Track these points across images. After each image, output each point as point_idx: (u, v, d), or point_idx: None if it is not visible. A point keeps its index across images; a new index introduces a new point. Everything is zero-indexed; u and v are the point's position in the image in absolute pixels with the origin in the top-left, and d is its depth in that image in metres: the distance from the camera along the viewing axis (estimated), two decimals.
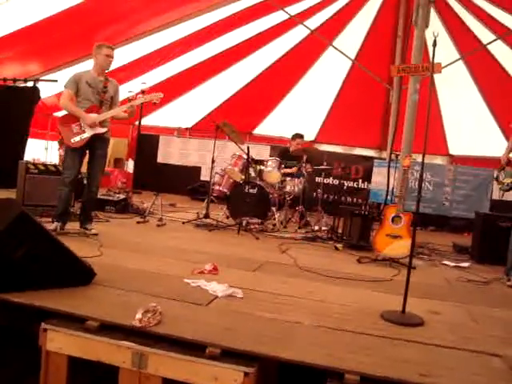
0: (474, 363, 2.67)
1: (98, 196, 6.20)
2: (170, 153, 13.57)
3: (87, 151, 5.43)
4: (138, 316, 2.63)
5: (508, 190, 5.22)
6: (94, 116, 5.26)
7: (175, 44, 10.33)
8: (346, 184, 11.96)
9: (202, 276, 3.86)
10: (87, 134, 5.25)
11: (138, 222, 6.81)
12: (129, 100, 5.78)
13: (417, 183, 3.59)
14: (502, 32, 9.66)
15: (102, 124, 5.34)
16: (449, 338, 3.03)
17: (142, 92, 7.57)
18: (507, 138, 5.64)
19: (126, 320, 2.65)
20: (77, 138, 5.22)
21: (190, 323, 2.76)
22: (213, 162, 7.46)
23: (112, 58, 5.42)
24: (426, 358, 2.66)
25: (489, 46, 10.09)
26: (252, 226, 7.10)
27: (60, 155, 11.34)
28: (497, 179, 5.50)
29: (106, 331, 2.61)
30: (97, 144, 5.38)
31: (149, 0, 8.43)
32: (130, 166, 13.90)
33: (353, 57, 11.39)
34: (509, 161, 5.19)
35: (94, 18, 8.46)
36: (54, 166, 6.99)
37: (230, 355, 2.45)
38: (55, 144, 12.73)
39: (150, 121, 12.96)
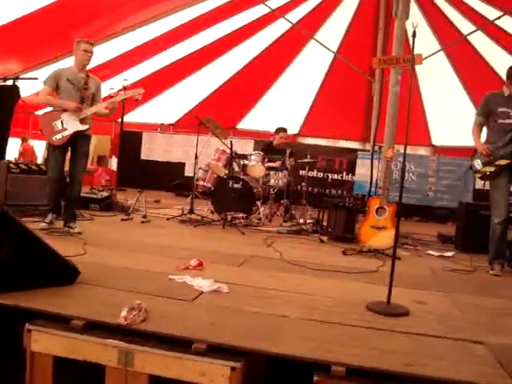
0: (459, 351, 2.69)
1: (82, 194, 6.16)
2: (154, 149, 13.52)
3: (69, 148, 5.39)
4: (124, 314, 2.61)
5: (489, 179, 5.25)
6: (74, 105, 5.22)
7: (157, 40, 10.28)
8: (330, 176, 12.01)
9: (187, 272, 3.84)
10: (69, 131, 5.20)
11: (123, 220, 6.77)
12: (111, 97, 5.72)
13: (404, 174, 3.65)
14: (481, 23, 9.73)
15: (83, 121, 5.30)
16: (434, 327, 3.05)
17: (124, 89, 7.51)
18: None
19: (111, 318, 2.63)
20: (58, 136, 5.18)
21: (176, 319, 2.75)
22: (196, 157, 7.43)
23: (91, 53, 5.37)
24: (412, 348, 2.67)
25: (469, 37, 10.16)
26: (237, 221, 7.11)
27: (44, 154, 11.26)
28: (471, 168, 5.52)
29: (92, 330, 2.58)
30: (79, 141, 5.34)
31: None
32: (113, 163, 13.82)
33: (335, 49, 11.41)
34: (488, 149, 5.21)
35: (75, 14, 8.39)
36: (36, 165, 6.92)
37: (216, 350, 2.44)
38: (37, 143, 12.64)
39: (132, 117, 12.88)
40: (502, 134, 5.14)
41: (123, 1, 8.52)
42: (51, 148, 5.29)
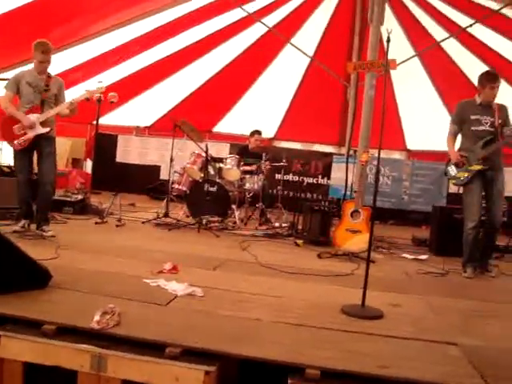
0: (432, 353, 2.74)
1: (56, 197, 6.08)
2: (129, 152, 13.39)
3: (35, 151, 5.34)
4: (96, 318, 2.59)
5: (464, 184, 5.33)
6: (34, 117, 5.17)
7: (133, 42, 10.19)
8: (305, 180, 12.01)
9: (161, 275, 3.83)
10: (29, 134, 5.16)
11: (97, 223, 6.69)
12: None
13: (379, 178, 3.68)
14: (454, 30, 9.87)
15: (44, 123, 5.23)
16: (408, 330, 3.09)
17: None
18: None
19: (84, 323, 2.60)
20: (20, 140, 5.14)
21: (150, 323, 2.74)
22: (171, 160, 7.40)
23: (47, 62, 5.30)
24: (386, 350, 2.70)
25: (442, 44, 10.31)
26: (212, 225, 7.09)
27: None
28: (446, 174, 5.62)
29: (64, 335, 2.55)
30: (42, 143, 5.30)
31: None
32: (88, 166, 13.65)
33: (311, 54, 11.45)
34: (461, 156, 5.31)
35: (49, 16, 8.27)
36: (8, 166, 6.82)
37: (190, 354, 2.43)
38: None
39: (108, 120, 12.74)
40: (475, 140, 5.28)
41: (99, 3, 8.43)
42: (15, 151, 5.24)
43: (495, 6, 8.68)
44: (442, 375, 2.41)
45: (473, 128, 5.29)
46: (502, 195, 5.37)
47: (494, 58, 10.11)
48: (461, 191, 5.57)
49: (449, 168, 5.50)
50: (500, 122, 5.21)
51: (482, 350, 2.83)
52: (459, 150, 5.44)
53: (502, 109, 5.33)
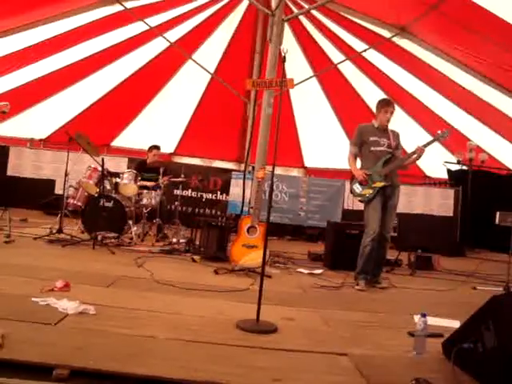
0: (325, 364, 2.83)
1: None
2: (22, 165, 12.74)
3: None
4: None
5: (369, 201, 5.57)
6: None
7: (29, 49, 9.78)
8: (204, 196, 12.03)
9: (51, 294, 3.64)
10: None
11: None
12: None
13: (272, 194, 3.74)
14: (350, 54, 10.34)
15: None
16: (302, 343, 3.17)
17: None
18: None
19: None
20: None
21: (37, 345, 2.60)
22: (66, 174, 7.15)
23: None
24: (280, 364, 2.75)
25: (339, 66, 10.76)
26: (108, 241, 6.91)
27: None
28: (352, 192, 5.87)
29: None
30: None
31: None
32: None
33: (212, 70, 11.55)
34: (365, 174, 5.57)
35: None
36: None
37: (80, 375, 2.33)
38: None
39: None
40: (375, 160, 5.63)
41: None
42: None
43: (387, 34, 9.19)
44: None
45: (372, 148, 5.62)
46: (395, 209, 5.70)
47: (386, 82, 10.68)
48: (356, 207, 5.83)
49: (354, 186, 5.74)
50: (394, 144, 5.62)
51: (369, 358, 2.97)
52: (361, 168, 5.71)
53: (395, 134, 5.77)
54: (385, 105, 5.68)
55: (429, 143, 5.50)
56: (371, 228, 5.47)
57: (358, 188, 5.68)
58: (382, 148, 5.60)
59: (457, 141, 10.63)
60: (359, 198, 5.74)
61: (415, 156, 5.56)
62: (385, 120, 5.62)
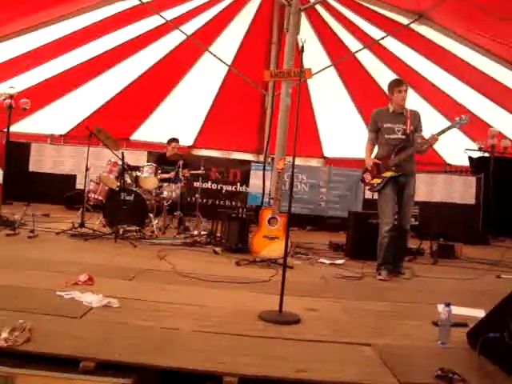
0: (348, 354, 2.82)
1: None
2: (43, 161, 12.89)
3: None
4: (4, 335, 2.45)
5: (378, 190, 5.54)
6: None
7: (47, 46, 9.85)
8: (224, 188, 12.05)
9: (76, 287, 3.70)
10: None
11: (8, 235, 6.39)
12: None
13: (293, 185, 3.74)
14: (367, 41, 10.24)
15: None
16: (324, 333, 3.16)
17: (10, 97, 7.16)
18: None
19: None
20: None
21: (63, 338, 2.64)
22: (87, 169, 7.20)
23: None
24: (303, 354, 2.75)
25: (357, 54, 10.67)
26: (129, 234, 6.96)
27: None
28: (362, 181, 5.84)
29: None
30: None
31: None
32: None
33: (229, 62, 11.52)
34: (375, 163, 5.51)
35: None
36: None
37: (106, 368, 2.36)
38: None
39: (20, 127, 12.26)
40: (389, 148, 5.52)
41: (8, 2, 8.05)
42: None
43: (405, 21, 9.08)
44: (357, 375, 2.49)
45: (386, 136, 5.52)
46: (413, 199, 5.62)
47: (404, 69, 10.56)
48: (376, 196, 5.78)
49: (364, 175, 5.70)
50: (411, 128, 5.47)
51: (393, 348, 2.94)
52: (375, 157, 5.65)
53: (415, 115, 5.59)
54: (396, 84, 5.54)
55: (445, 130, 5.34)
56: (385, 220, 5.44)
57: (367, 177, 5.65)
58: (396, 136, 5.47)
59: (478, 127, 10.49)
60: (368, 187, 5.71)
61: (426, 146, 5.45)
62: (400, 100, 5.48)
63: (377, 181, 5.51)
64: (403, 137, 5.47)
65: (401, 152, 5.43)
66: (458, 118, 5.37)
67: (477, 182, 11.89)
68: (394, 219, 5.45)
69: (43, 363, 2.37)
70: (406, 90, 5.52)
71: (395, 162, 5.41)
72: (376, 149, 5.78)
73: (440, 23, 8.73)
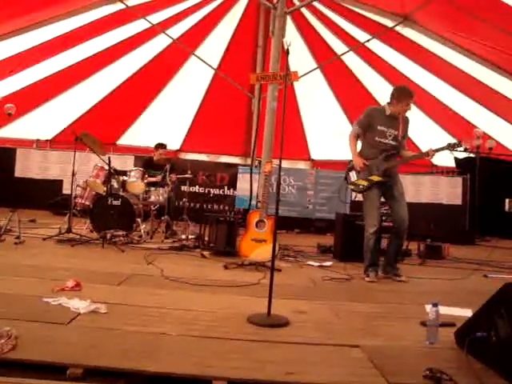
0: (337, 356, 2.82)
1: None
2: (29, 166, 12.80)
3: None
4: None
5: (362, 192, 5.54)
6: None
7: (32, 50, 9.78)
8: (212, 192, 12.04)
9: (63, 293, 3.66)
10: None
11: None
12: None
13: (280, 188, 3.73)
14: (353, 44, 10.30)
15: None
16: (313, 335, 3.17)
17: None
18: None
19: None
20: None
21: (50, 344, 2.61)
22: (73, 174, 7.16)
23: None
24: (292, 357, 2.75)
25: (343, 57, 10.72)
26: (117, 239, 6.93)
27: None
28: (346, 179, 5.79)
29: None
30: None
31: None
32: None
33: (215, 66, 11.54)
34: (364, 164, 5.48)
35: None
36: None
37: (93, 374, 2.35)
38: None
39: (5, 133, 12.20)
40: (377, 151, 5.48)
41: None
42: None
43: (390, 24, 9.14)
44: (346, 377, 2.50)
45: (377, 138, 5.46)
46: (404, 196, 5.57)
47: (389, 71, 10.63)
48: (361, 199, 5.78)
49: (350, 173, 5.67)
50: (402, 135, 5.48)
51: (382, 349, 2.96)
52: (359, 155, 5.60)
53: (406, 121, 5.60)
54: (408, 97, 5.42)
55: (439, 150, 5.31)
56: (371, 221, 5.44)
57: (353, 176, 5.63)
58: (387, 141, 5.44)
59: (463, 128, 10.58)
60: (352, 187, 5.68)
61: (420, 158, 5.45)
62: (403, 111, 5.45)
63: (362, 182, 5.49)
64: (393, 143, 5.46)
65: (391, 159, 5.43)
66: (450, 143, 5.35)
67: (463, 182, 12.00)
68: (379, 221, 5.47)
69: (30, 371, 2.34)
70: (411, 105, 5.48)
71: (385, 167, 5.40)
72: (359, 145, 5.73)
73: (424, 25, 8.80)
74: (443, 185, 12.29)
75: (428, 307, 3.16)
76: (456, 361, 2.77)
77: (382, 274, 5.57)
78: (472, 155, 11.23)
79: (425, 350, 3.01)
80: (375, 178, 5.41)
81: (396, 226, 5.51)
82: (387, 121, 5.47)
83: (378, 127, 5.46)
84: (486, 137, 10.93)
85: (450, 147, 5.32)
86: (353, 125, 5.83)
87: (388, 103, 5.55)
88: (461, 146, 5.33)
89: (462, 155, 11.80)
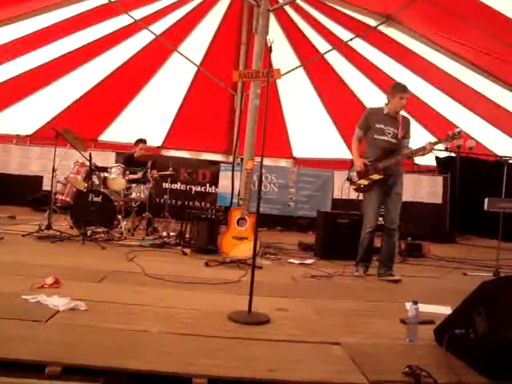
0: (318, 353, 2.84)
1: None
2: (9, 162, 12.65)
3: None
4: None
5: (363, 191, 5.57)
6: None
7: (12, 44, 9.65)
8: (193, 189, 12.01)
9: (42, 290, 3.62)
10: None
11: None
12: None
13: (261, 185, 3.74)
14: (336, 43, 10.32)
15: None
16: (294, 333, 3.17)
17: None
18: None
19: None
20: None
21: (28, 342, 2.58)
22: (53, 170, 7.08)
23: None
24: (274, 354, 2.75)
25: (326, 56, 10.74)
26: (98, 236, 6.87)
27: None
28: (348, 179, 5.80)
29: None
30: None
31: None
32: None
33: (198, 63, 11.49)
34: (364, 164, 5.49)
35: None
36: None
37: (72, 372, 2.32)
38: None
39: None
40: (377, 149, 5.50)
41: None
42: None
43: (373, 23, 9.17)
44: (327, 374, 2.51)
45: (376, 136, 5.48)
46: (400, 197, 5.57)
47: (372, 71, 10.68)
48: (345, 197, 5.80)
49: (351, 173, 5.68)
50: (402, 134, 5.47)
51: (362, 347, 2.98)
52: (362, 156, 5.61)
53: (406, 121, 5.61)
54: (401, 90, 5.43)
55: (437, 142, 5.32)
56: (369, 220, 5.49)
57: (355, 176, 5.65)
58: (385, 138, 5.44)
59: (443, 128, 10.65)
60: (354, 187, 5.71)
61: (421, 152, 5.45)
62: (399, 107, 5.45)
63: (364, 182, 5.51)
64: (393, 140, 5.46)
65: (390, 156, 5.42)
66: (450, 132, 5.35)
67: (443, 181, 12.11)
68: (377, 220, 5.51)
69: (7, 369, 2.31)
70: (407, 98, 5.46)
71: (384, 165, 5.39)
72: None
73: (407, 25, 8.84)
74: (424, 184, 12.38)
75: (408, 305, 3.18)
76: (435, 358, 2.80)
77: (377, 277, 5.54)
78: (453, 154, 11.33)
79: (405, 347, 3.03)
80: (375, 177, 5.43)
81: (386, 225, 5.55)
82: (386, 119, 5.48)
83: (377, 125, 5.48)
84: (466, 136, 11.02)
85: (450, 138, 5.30)
86: (356, 128, 5.85)
87: (386, 103, 5.57)
88: (459, 138, 5.30)
89: (442, 154, 11.91)
